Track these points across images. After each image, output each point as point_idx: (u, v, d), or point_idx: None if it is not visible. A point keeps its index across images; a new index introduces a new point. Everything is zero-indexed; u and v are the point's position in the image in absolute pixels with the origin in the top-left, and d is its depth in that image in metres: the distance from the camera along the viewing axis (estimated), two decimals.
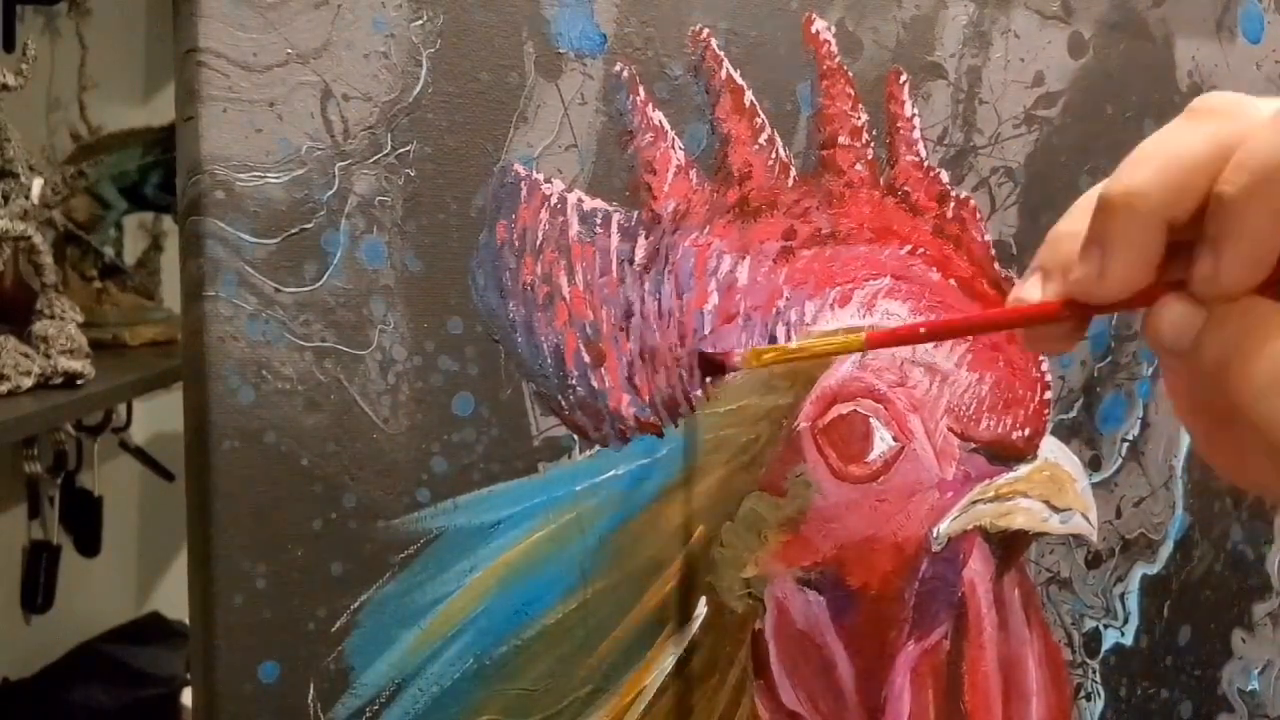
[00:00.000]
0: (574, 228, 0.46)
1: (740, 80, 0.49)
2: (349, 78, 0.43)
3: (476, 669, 0.46)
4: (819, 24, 0.50)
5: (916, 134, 0.52)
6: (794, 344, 0.47)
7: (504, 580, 0.46)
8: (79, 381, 0.93)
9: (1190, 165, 0.29)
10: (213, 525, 0.42)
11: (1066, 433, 0.55)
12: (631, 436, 0.47)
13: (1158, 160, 0.30)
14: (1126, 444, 0.58)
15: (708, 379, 0.47)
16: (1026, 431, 0.51)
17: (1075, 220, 0.32)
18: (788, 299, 0.48)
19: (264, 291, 0.42)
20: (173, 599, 1.59)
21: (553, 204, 0.46)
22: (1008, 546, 0.52)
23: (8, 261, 0.93)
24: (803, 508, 0.49)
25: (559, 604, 0.47)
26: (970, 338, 0.50)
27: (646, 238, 0.47)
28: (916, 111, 0.52)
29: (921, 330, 0.38)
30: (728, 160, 0.48)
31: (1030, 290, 0.33)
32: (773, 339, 0.48)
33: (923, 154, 0.52)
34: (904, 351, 0.49)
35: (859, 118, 0.50)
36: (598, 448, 0.47)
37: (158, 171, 1.23)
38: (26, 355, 0.90)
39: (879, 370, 0.49)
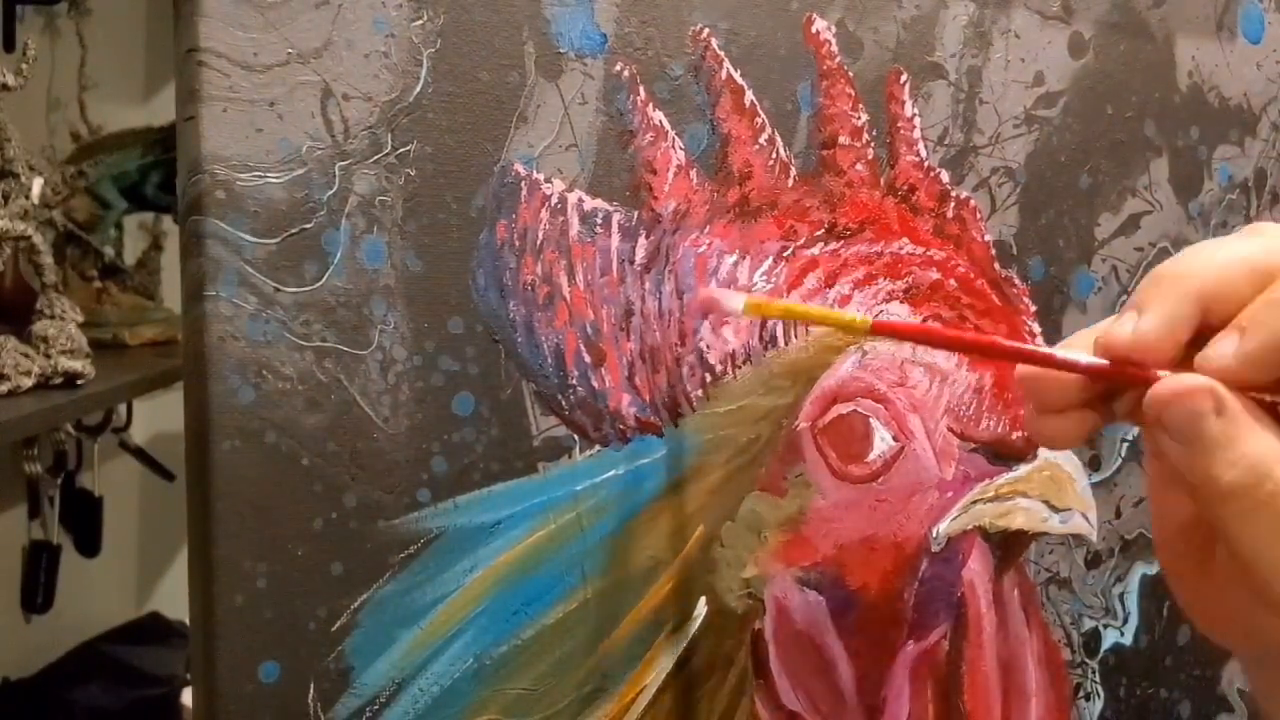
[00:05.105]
0: (574, 227, 0.46)
1: (740, 80, 0.49)
2: (349, 77, 0.43)
3: (476, 669, 0.46)
4: (819, 24, 0.50)
5: (917, 134, 0.52)
6: (798, 304, 0.48)
7: (504, 580, 0.46)
8: (79, 381, 0.93)
9: (1232, 258, 0.33)
10: (213, 525, 0.42)
11: None
12: (632, 436, 0.47)
13: (1205, 249, 0.34)
14: (1126, 444, 0.58)
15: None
16: (1026, 431, 0.51)
17: None
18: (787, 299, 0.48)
19: (264, 291, 0.42)
20: (173, 599, 1.59)
21: (553, 204, 0.46)
22: (1007, 546, 0.52)
23: (8, 261, 0.93)
24: (802, 508, 0.49)
25: (559, 604, 0.47)
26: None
27: (647, 237, 0.47)
28: (917, 111, 0.52)
29: (929, 334, 0.38)
30: (728, 160, 0.48)
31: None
32: (773, 338, 0.48)
33: (923, 154, 0.52)
34: (904, 351, 0.49)
35: (859, 118, 0.50)
36: (598, 447, 0.47)
37: (158, 171, 1.23)
38: (26, 355, 0.90)
39: (879, 370, 0.49)
